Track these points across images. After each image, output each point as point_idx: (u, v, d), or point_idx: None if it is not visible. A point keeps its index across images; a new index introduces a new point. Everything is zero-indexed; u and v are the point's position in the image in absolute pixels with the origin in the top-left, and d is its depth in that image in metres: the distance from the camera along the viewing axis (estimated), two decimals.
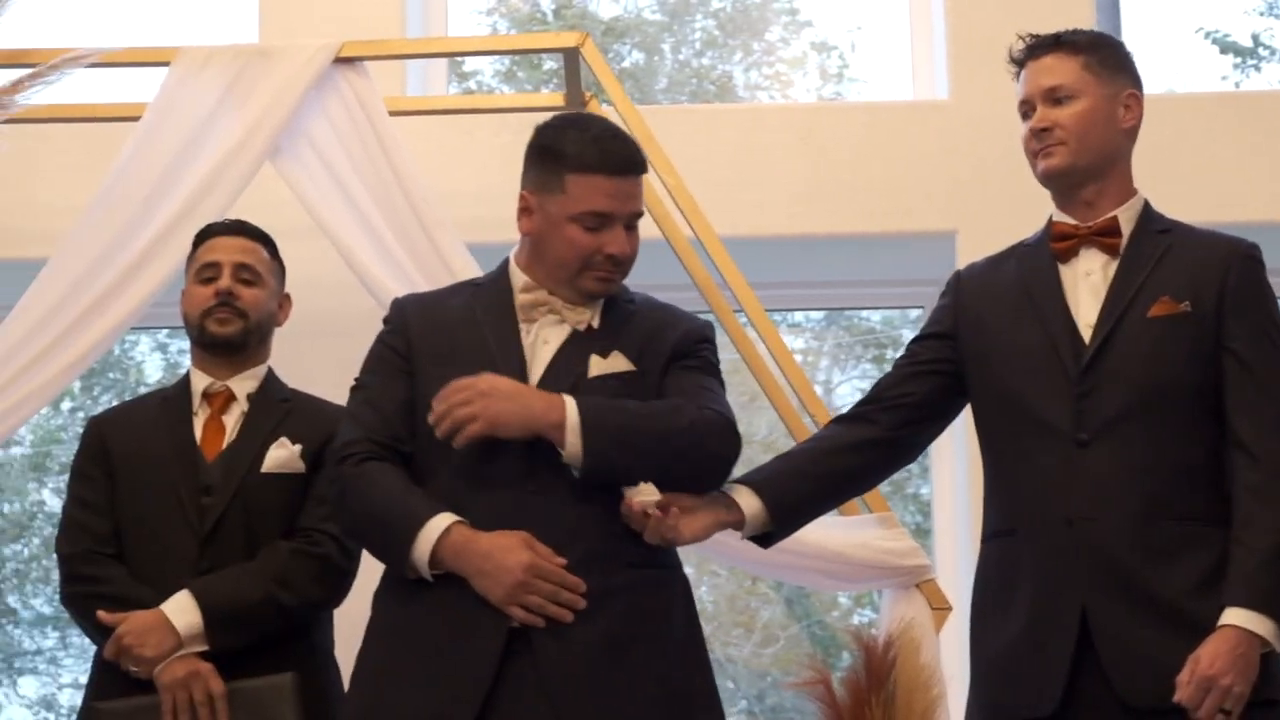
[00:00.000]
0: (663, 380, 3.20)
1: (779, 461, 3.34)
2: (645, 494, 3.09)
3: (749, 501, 3.19)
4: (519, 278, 3.24)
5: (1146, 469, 3.11)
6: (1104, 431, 3.13)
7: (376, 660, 3.14)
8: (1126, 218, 3.28)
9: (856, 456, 3.35)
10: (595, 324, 3.21)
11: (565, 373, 3.14)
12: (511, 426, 3.03)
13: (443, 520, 3.02)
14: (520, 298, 3.22)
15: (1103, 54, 3.31)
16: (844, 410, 3.48)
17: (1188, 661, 2.99)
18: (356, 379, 3.29)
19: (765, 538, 3.28)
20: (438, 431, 3.03)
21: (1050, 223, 3.35)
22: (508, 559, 2.98)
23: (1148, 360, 3.15)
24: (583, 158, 3.15)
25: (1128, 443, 3.12)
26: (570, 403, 3.03)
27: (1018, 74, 3.36)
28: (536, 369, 3.16)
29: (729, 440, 3.14)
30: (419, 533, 3.02)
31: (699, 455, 3.12)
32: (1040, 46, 3.33)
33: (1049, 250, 3.31)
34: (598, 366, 3.16)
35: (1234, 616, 3.00)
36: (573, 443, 3.01)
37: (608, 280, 3.19)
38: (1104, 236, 3.27)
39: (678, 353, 3.22)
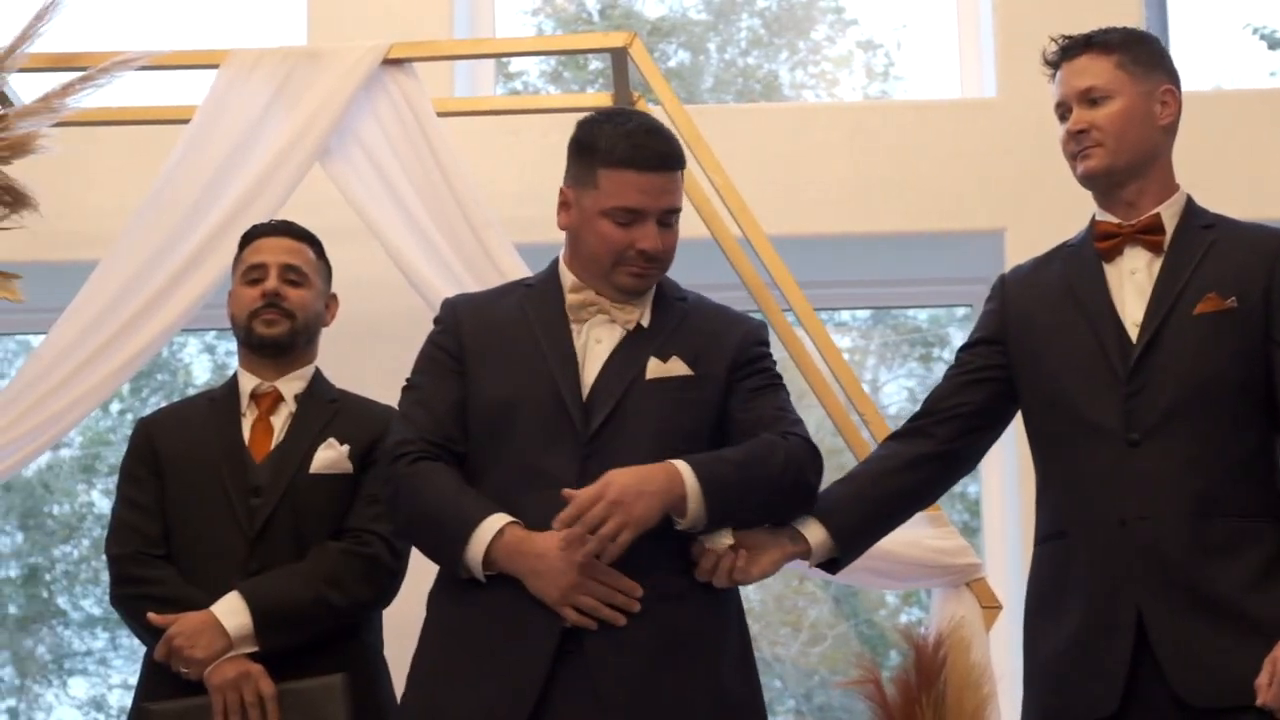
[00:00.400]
0: (730, 395, 3.19)
1: (840, 486, 3.31)
2: (720, 540, 3.08)
3: (815, 531, 3.19)
4: (568, 277, 3.24)
5: (1198, 466, 3.09)
6: (1154, 430, 3.12)
7: (432, 660, 3.14)
8: (1170, 214, 3.27)
9: (916, 473, 3.34)
10: (645, 322, 3.21)
11: (620, 374, 3.14)
12: (654, 519, 3.00)
13: (496, 521, 3.02)
14: (570, 298, 3.22)
15: (1136, 51, 3.30)
16: (894, 414, 3.49)
17: (1265, 663, 2.96)
18: (408, 379, 3.28)
19: (832, 564, 3.27)
20: (580, 554, 2.97)
21: (1093, 222, 3.34)
22: (561, 560, 2.97)
23: (1196, 358, 3.14)
24: (614, 152, 3.14)
25: (1178, 441, 3.11)
26: (686, 470, 3.01)
27: (1053, 76, 3.35)
28: (590, 369, 3.15)
29: (818, 466, 3.16)
30: (473, 534, 3.01)
31: (797, 490, 3.14)
32: (1073, 48, 3.32)
33: (1093, 250, 3.30)
34: (656, 369, 3.15)
35: None
36: (695, 510, 3.01)
37: (640, 276, 3.17)
38: (1148, 234, 3.26)
39: (739, 361, 3.21)
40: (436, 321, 3.33)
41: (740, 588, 3.20)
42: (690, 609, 3.07)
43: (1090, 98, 3.26)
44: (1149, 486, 3.10)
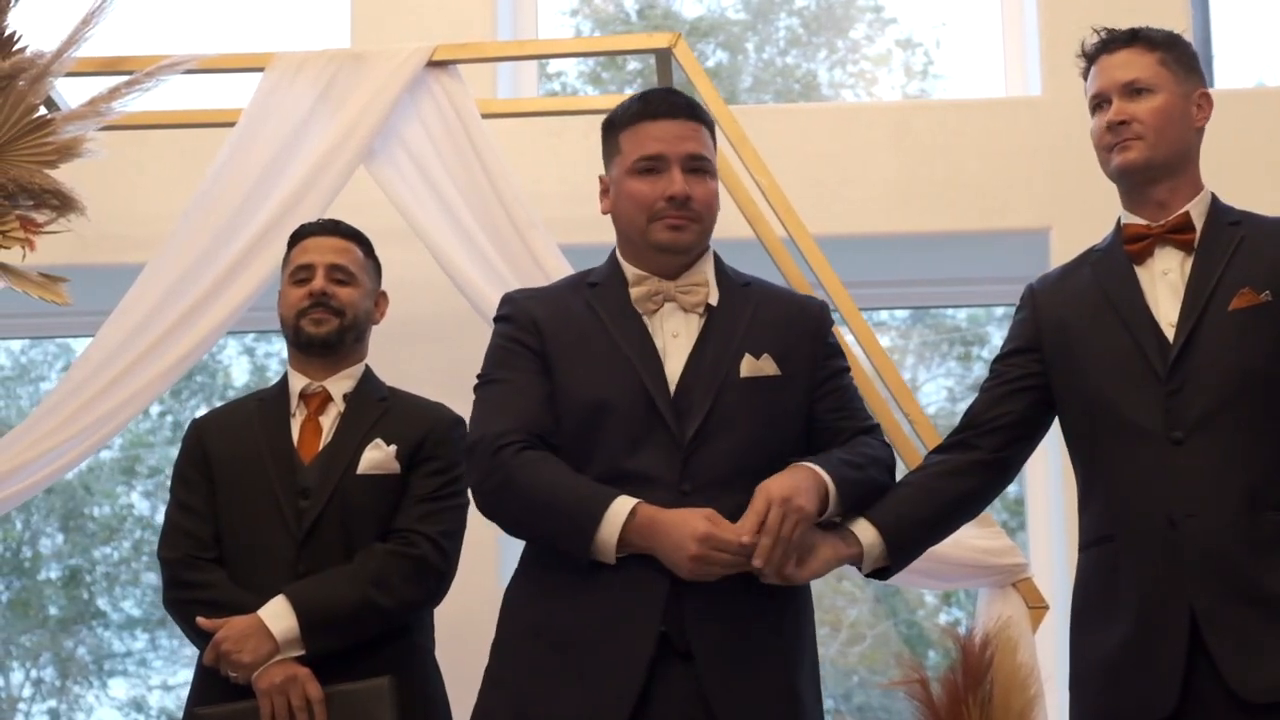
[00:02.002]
0: (816, 392, 3.23)
1: (892, 491, 3.30)
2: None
3: (866, 532, 3.18)
4: (628, 269, 3.24)
5: (1243, 462, 3.09)
6: (1197, 428, 3.11)
7: (516, 661, 3.12)
8: (1198, 213, 3.26)
9: (967, 480, 3.33)
10: (714, 301, 3.20)
11: (712, 370, 3.14)
12: (816, 515, 3.07)
13: (626, 503, 3.00)
14: (634, 291, 3.21)
15: (1177, 52, 3.31)
16: (933, 413, 3.49)
17: None
18: (485, 374, 3.24)
19: (883, 572, 3.26)
20: (770, 561, 3.01)
21: (1120, 226, 3.34)
22: (683, 532, 2.96)
23: (1233, 353, 3.13)
24: (628, 113, 3.22)
25: (1222, 436, 3.10)
26: (821, 471, 3.09)
27: (1087, 70, 3.35)
28: (673, 364, 3.14)
29: (893, 458, 3.26)
30: (604, 514, 2.99)
31: (888, 481, 3.24)
32: (1116, 41, 3.32)
33: (1123, 253, 3.29)
34: (750, 367, 3.15)
35: None
36: (833, 509, 3.10)
37: (677, 227, 3.16)
38: (1177, 234, 3.25)
39: (819, 357, 3.24)
40: (503, 318, 3.30)
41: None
42: (787, 606, 3.10)
43: (1133, 89, 3.26)
44: (1196, 484, 3.10)
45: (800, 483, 3.03)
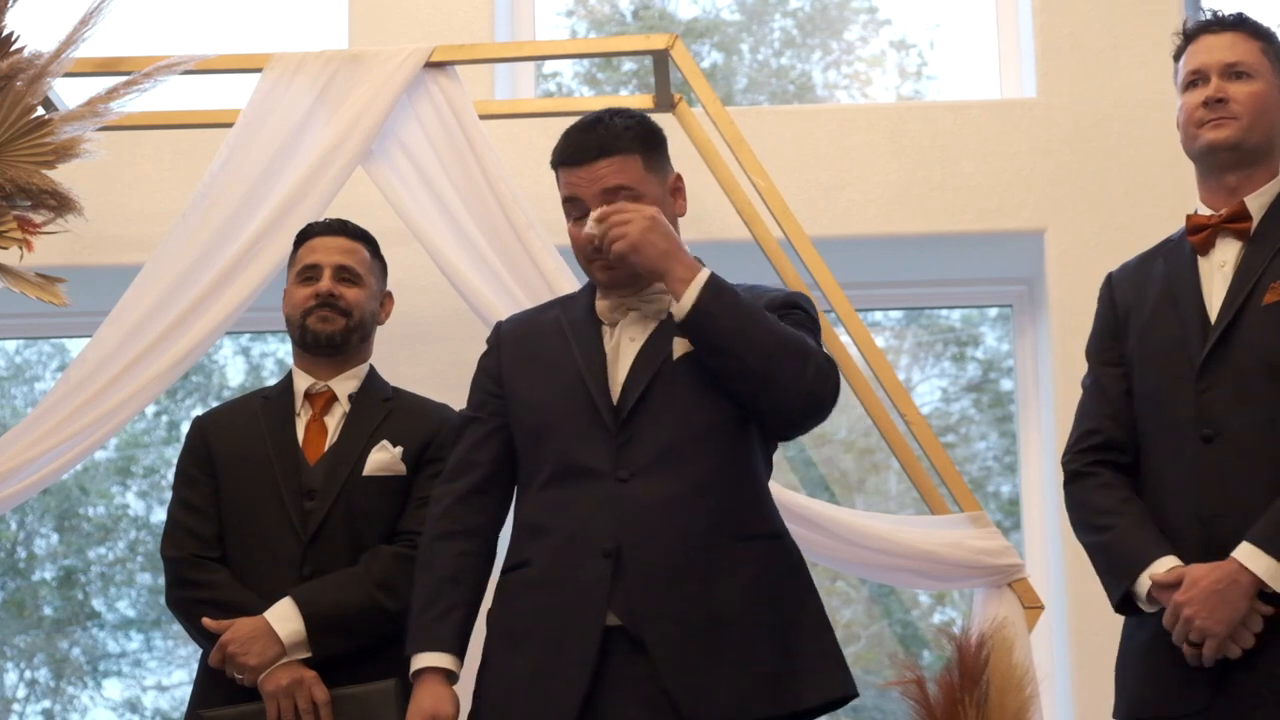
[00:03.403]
0: None
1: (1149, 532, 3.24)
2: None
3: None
4: (599, 284, 3.28)
5: (1273, 462, 3.08)
6: (1224, 424, 3.12)
7: (487, 665, 3.20)
8: (1258, 204, 3.26)
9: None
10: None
11: (650, 360, 3.16)
12: (646, 257, 3.06)
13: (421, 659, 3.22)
14: (599, 304, 3.25)
15: (1277, 47, 3.33)
16: (926, 413, 3.47)
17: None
18: (463, 410, 3.39)
19: None
20: (597, 239, 3.10)
21: (1187, 217, 3.34)
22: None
23: (1263, 349, 3.13)
24: (553, 154, 3.27)
25: (1249, 435, 3.10)
26: (707, 271, 3.07)
27: (1182, 49, 3.35)
28: (623, 366, 3.18)
29: (831, 380, 3.12)
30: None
31: (798, 371, 3.07)
32: (1221, 23, 3.33)
33: (1188, 244, 3.30)
34: (681, 347, 3.16)
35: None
36: (688, 295, 3.04)
37: (607, 268, 3.19)
38: (1234, 223, 3.25)
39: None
40: (487, 342, 3.40)
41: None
42: (745, 577, 3.09)
43: (1235, 71, 3.27)
44: (1224, 483, 3.10)
45: (678, 257, 3.09)
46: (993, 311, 5.48)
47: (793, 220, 4.48)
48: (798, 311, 3.23)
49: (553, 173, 5.03)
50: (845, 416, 5.33)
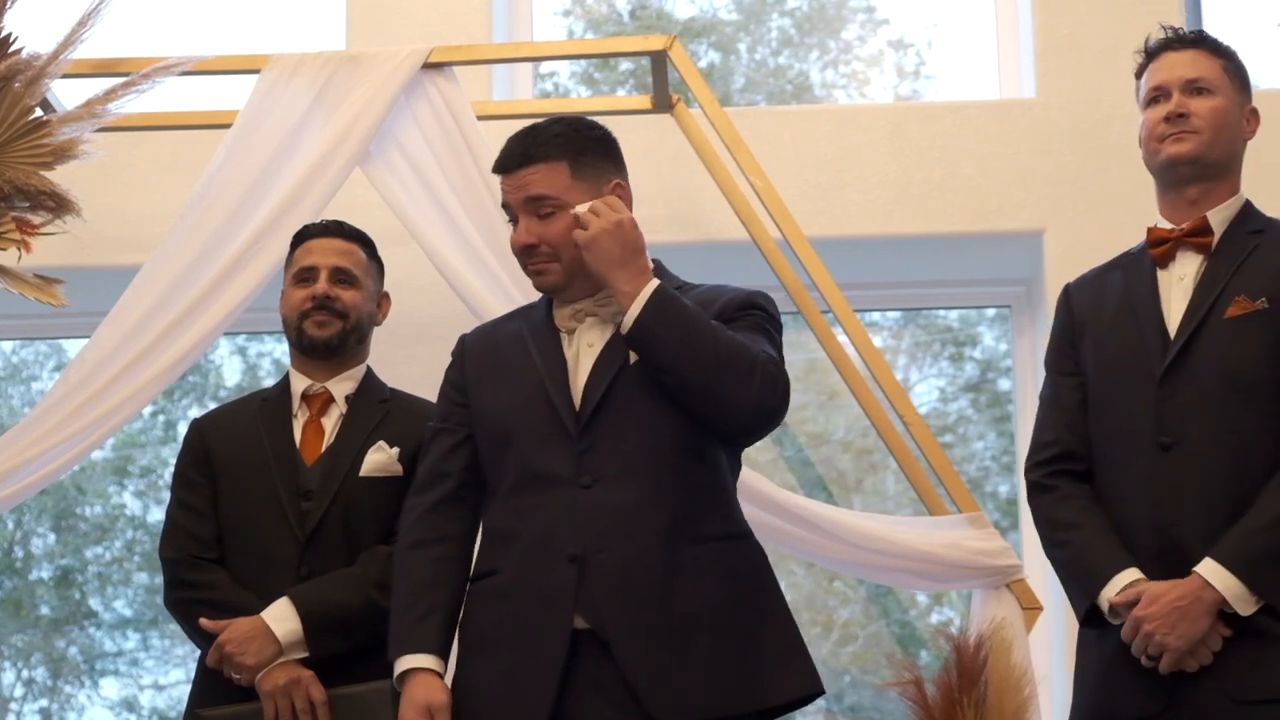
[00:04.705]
0: None
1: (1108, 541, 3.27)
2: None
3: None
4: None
5: (1227, 471, 3.12)
6: (1183, 435, 3.14)
7: (461, 671, 3.21)
8: (1220, 219, 3.30)
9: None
10: None
11: (609, 366, 3.16)
12: (594, 258, 3.09)
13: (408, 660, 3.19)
14: (557, 313, 3.26)
15: (1237, 65, 3.38)
16: (925, 414, 3.48)
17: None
18: (430, 422, 3.39)
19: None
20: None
21: (1149, 230, 3.37)
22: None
23: (1224, 361, 3.16)
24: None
25: (1208, 444, 3.13)
26: (656, 281, 3.08)
27: (1144, 66, 3.40)
28: (581, 374, 3.19)
29: (779, 387, 3.09)
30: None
31: (742, 384, 3.05)
32: (1182, 40, 3.38)
33: (1149, 257, 3.33)
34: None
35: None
36: (631, 310, 3.05)
37: (535, 273, 3.23)
38: (1196, 237, 3.28)
39: (723, 316, 3.18)
40: (452, 355, 3.41)
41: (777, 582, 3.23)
42: (708, 578, 3.08)
43: (1196, 87, 3.31)
44: (1179, 492, 3.13)
45: (630, 265, 3.09)
46: (990, 311, 5.48)
47: (791, 221, 4.48)
48: (756, 312, 3.22)
49: None
50: (843, 416, 5.34)
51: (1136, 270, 3.35)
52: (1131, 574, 3.14)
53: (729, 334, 3.07)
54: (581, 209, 3.13)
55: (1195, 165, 3.29)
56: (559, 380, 3.17)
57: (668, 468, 3.10)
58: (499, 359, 3.29)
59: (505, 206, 3.24)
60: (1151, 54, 3.40)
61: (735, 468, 3.28)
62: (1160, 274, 3.31)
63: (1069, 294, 3.48)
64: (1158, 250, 3.32)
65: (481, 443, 3.25)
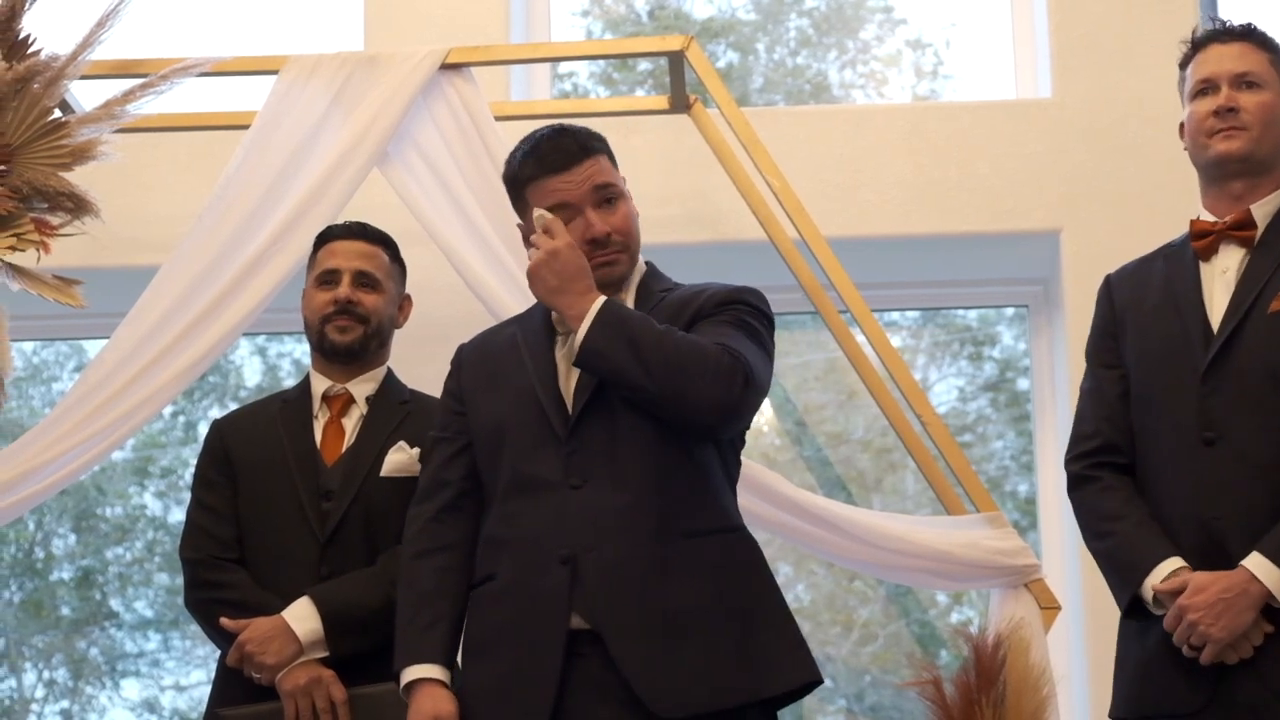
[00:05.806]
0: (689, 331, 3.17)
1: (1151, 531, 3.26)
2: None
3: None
4: None
5: (1274, 467, 3.11)
6: (1227, 429, 3.13)
7: (466, 676, 3.22)
8: (1263, 212, 3.28)
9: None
10: None
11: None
12: (540, 293, 3.14)
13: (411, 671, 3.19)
14: (554, 315, 3.26)
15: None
16: (943, 413, 3.47)
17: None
18: (431, 432, 3.41)
19: None
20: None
21: (1191, 223, 3.36)
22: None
23: (1268, 356, 3.15)
24: (525, 170, 3.25)
25: (1252, 439, 3.12)
26: (600, 301, 3.08)
27: (1190, 56, 3.37)
28: (571, 376, 3.19)
29: (736, 384, 3.06)
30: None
31: (699, 388, 3.05)
32: (1230, 33, 3.35)
33: (1191, 250, 3.32)
34: None
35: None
36: (578, 334, 3.06)
37: (607, 263, 3.21)
38: (1239, 230, 3.27)
39: (701, 313, 3.20)
40: (451, 364, 3.43)
41: (789, 586, 3.22)
42: (700, 573, 3.09)
43: (1245, 81, 3.29)
44: (1222, 487, 3.12)
45: (573, 291, 3.10)
46: (1009, 310, 5.48)
47: (808, 220, 4.48)
48: (738, 307, 3.22)
49: None
50: (862, 416, 5.34)
51: (1178, 263, 3.33)
52: (1175, 562, 3.14)
53: (681, 337, 3.08)
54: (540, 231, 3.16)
55: (1245, 162, 3.28)
56: (548, 383, 3.19)
57: (656, 466, 3.11)
58: (493, 366, 3.31)
59: (562, 207, 3.20)
60: (1199, 45, 3.37)
61: (731, 459, 3.29)
62: (1203, 267, 3.29)
63: (1110, 285, 3.47)
64: (1200, 243, 3.30)
65: (478, 449, 3.27)
